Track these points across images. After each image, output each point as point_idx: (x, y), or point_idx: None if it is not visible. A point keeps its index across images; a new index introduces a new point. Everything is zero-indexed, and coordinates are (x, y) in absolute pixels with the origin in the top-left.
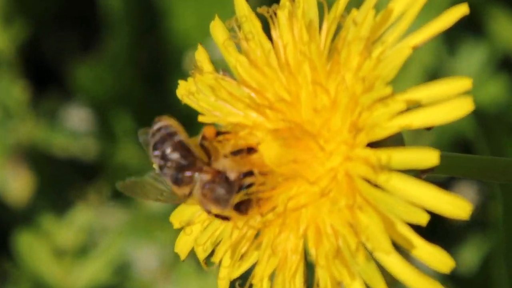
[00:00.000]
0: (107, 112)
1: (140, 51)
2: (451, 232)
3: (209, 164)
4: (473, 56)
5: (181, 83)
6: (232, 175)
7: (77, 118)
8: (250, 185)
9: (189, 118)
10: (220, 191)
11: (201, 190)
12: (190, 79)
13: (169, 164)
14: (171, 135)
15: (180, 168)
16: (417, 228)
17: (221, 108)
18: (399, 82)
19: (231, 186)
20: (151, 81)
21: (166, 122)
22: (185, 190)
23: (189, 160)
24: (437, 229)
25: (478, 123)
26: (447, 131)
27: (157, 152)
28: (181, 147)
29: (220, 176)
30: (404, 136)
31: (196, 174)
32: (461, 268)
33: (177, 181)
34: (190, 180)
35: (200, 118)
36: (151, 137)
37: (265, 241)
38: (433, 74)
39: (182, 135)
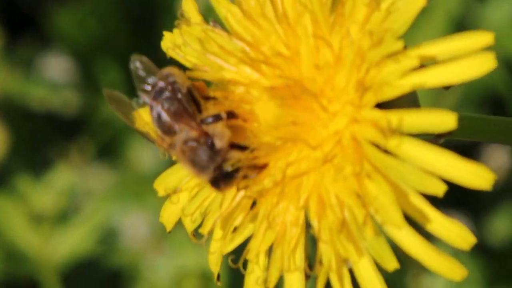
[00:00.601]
0: (90, 61)
1: None
2: (478, 201)
3: (197, 120)
4: (505, 2)
5: (166, 34)
6: (219, 143)
7: (57, 67)
8: (236, 164)
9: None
10: (201, 154)
11: (181, 145)
12: (176, 31)
13: (159, 107)
14: (168, 75)
15: (168, 110)
16: (434, 198)
17: (211, 63)
18: (419, 33)
19: (215, 154)
20: (138, 28)
21: (172, 71)
22: (167, 139)
23: (179, 109)
24: (460, 198)
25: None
26: (476, 87)
27: (153, 92)
28: (175, 87)
29: (206, 139)
30: (418, 95)
31: (181, 126)
32: (491, 241)
33: (162, 127)
34: (175, 129)
35: (188, 74)
36: (158, 80)
37: (262, 212)
38: (459, 24)
39: (178, 78)
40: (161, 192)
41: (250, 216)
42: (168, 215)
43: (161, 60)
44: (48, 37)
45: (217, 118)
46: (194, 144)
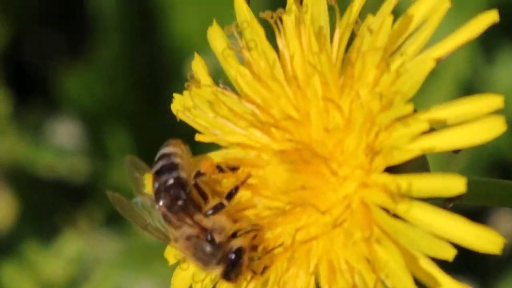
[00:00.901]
0: (99, 126)
1: (136, 57)
2: (487, 266)
3: (200, 210)
4: None
5: (176, 97)
6: (218, 236)
7: (65, 133)
8: (238, 251)
9: (188, 135)
10: (202, 249)
11: (184, 241)
12: (186, 93)
13: (161, 201)
14: (171, 168)
15: (170, 208)
16: (445, 262)
17: (221, 126)
18: (428, 96)
19: (215, 248)
20: (148, 92)
21: (170, 149)
22: (172, 232)
23: (180, 204)
24: (469, 262)
25: None
26: (484, 151)
27: (156, 184)
28: (177, 184)
29: (206, 234)
30: (427, 160)
31: (181, 224)
32: None
33: (166, 220)
34: (177, 225)
35: (197, 137)
36: (154, 163)
37: (272, 278)
38: (468, 87)
39: (182, 172)
40: (171, 260)
41: (261, 282)
42: (179, 282)
43: (170, 124)
44: (56, 101)
45: (217, 208)
46: (195, 240)
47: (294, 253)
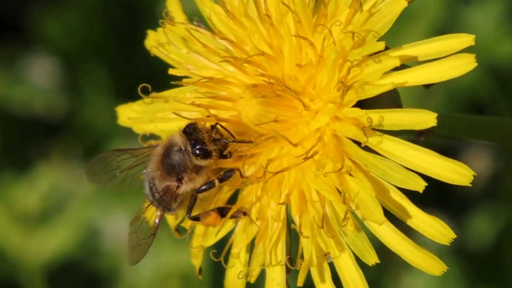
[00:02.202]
0: (75, 63)
1: None
2: (459, 201)
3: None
4: (490, 6)
5: (150, 33)
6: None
7: (41, 70)
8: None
9: (162, 71)
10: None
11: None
12: (160, 29)
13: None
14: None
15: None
16: (418, 196)
17: (194, 61)
18: (402, 37)
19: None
20: (123, 30)
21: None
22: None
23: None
24: (443, 197)
25: (494, 81)
26: (459, 91)
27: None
28: None
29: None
30: (399, 95)
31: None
32: (472, 242)
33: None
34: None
35: (171, 71)
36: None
37: (243, 207)
38: (443, 28)
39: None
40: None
41: (232, 211)
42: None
43: (145, 61)
44: (32, 39)
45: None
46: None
47: (266, 184)
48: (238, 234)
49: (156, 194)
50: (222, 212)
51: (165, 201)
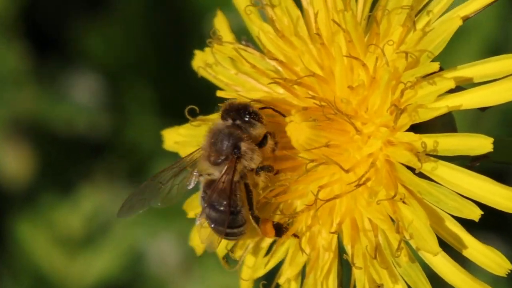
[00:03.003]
0: (119, 81)
1: (156, 12)
2: None
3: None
4: None
5: (198, 53)
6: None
7: (84, 88)
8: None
9: (208, 92)
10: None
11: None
12: (207, 49)
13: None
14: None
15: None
16: (471, 223)
17: (243, 83)
18: (455, 56)
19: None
20: (168, 48)
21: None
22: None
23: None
24: (499, 223)
25: None
26: None
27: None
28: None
29: None
30: (454, 118)
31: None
32: None
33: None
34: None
35: (219, 93)
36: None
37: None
38: (496, 46)
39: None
40: (190, 214)
41: (282, 240)
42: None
43: (191, 81)
44: (75, 57)
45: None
46: None
47: (317, 212)
48: (287, 264)
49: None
50: (277, 228)
51: (225, 189)
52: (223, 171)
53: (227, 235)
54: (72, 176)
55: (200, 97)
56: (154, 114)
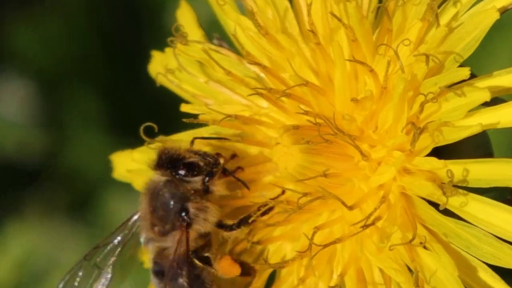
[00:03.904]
0: (57, 89)
1: (105, 4)
2: None
3: None
4: None
5: (156, 55)
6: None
7: (12, 98)
8: None
9: (171, 104)
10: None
11: None
12: (168, 50)
13: None
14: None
15: None
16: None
17: (215, 94)
18: (490, 57)
19: None
20: (119, 48)
21: None
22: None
23: None
24: None
25: None
26: None
27: None
28: None
29: None
30: (490, 140)
31: None
32: None
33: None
34: None
35: (184, 107)
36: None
37: None
38: None
39: None
40: (147, 263)
41: None
42: None
43: (149, 88)
44: (2, 58)
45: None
46: None
47: (313, 259)
48: None
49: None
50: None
51: (181, 265)
52: (174, 243)
53: None
54: None
55: (161, 110)
56: (101, 131)
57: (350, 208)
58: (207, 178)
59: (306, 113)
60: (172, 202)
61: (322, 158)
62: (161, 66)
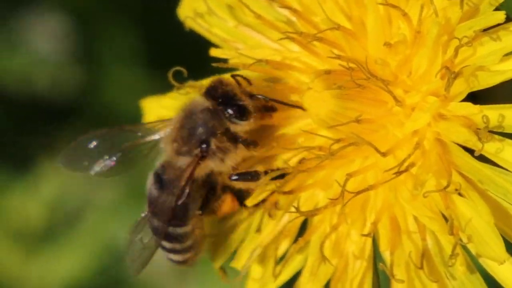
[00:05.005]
0: (91, 24)
1: None
2: None
3: None
4: None
5: None
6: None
7: (45, 33)
8: None
9: (201, 47)
10: None
11: None
12: None
13: None
14: None
15: None
16: None
17: (245, 38)
18: None
19: None
20: None
21: None
22: None
23: None
24: None
25: None
26: None
27: None
28: None
29: None
30: None
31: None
32: None
33: None
34: None
35: (213, 52)
36: None
37: (314, 239)
38: None
39: None
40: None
41: (298, 245)
42: None
43: (182, 27)
44: None
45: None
46: None
47: (345, 207)
48: (306, 277)
49: (167, 183)
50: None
51: (177, 186)
52: (183, 166)
53: (166, 238)
54: (30, 150)
55: (195, 46)
56: (137, 67)
57: (384, 154)
58: (245, 123)
59: (338, 57)
60: (200, 129)
61: (355, 103)
62: (191, 9)
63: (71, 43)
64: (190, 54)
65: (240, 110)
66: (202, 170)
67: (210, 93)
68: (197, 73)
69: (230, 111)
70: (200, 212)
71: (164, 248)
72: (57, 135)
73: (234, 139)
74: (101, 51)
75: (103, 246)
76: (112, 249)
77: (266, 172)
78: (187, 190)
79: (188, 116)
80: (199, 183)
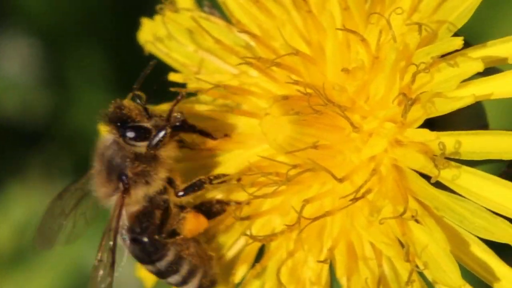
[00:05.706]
0: (62, 47)
1: None
2: None
3: None
4: None
5: (146, 23)
6: None
7: (15, 56)
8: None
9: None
10: None
11: None
12: (158, 18)
13: None
14: None
15: None
16: (505, 247)
17: (205, 63)
18: (495, 27)
19: None
20: (127, 4)
21: None
22: None
23: None
24: None
25: None
26: None
27: None
28: None
29: None
30: (485, 111)
31: None
32: None
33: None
34: None
35: (172, 76)
36: None
37: (271, 265)
38: None
39: None
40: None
41: (255, 271)
42: None
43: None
44: (3, 14)
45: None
46: None
47: (302, 233)
48: None
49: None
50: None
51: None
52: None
53: (163, 275)
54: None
55: (163, 74)
56: (107, 91)
57: (340, 180)
58: (153, 143)
59: (296, 83)
60: (113, 164)
61: (312, 129)
62: (151, 33)
63: (40, 67)
64: (158, 78)
65: (137, 131)
66: (134, 201)
67: (111, 119)
68: (164, 97)
69: (130, 134)
70: (164, 235)
71: (174, 285)
72: (27, 159)
73: (151, 157)
74: (71, 75)
75: (73, 267)
76: (81, 270)
77: (210, 179)
78: (124, 229)
79: (101, 156)
80: (143, 212)
